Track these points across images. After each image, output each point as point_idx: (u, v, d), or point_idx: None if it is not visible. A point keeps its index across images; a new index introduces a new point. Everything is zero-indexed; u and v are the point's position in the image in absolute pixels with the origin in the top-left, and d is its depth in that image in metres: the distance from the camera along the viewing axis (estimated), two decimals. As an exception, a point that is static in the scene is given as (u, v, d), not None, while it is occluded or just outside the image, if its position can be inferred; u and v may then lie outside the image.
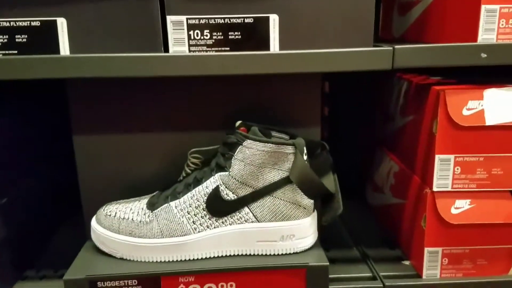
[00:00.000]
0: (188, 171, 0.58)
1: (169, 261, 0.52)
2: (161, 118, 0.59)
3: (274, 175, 0.52)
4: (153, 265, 0.52)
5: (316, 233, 0.55)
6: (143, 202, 0.56)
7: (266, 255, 0.53)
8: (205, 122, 0.59)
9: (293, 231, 0.53)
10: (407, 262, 0.62)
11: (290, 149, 0.52)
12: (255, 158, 0.51)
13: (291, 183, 0.52)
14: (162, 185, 0.58)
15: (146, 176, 0.60)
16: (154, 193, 0.57)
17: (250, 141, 0.51)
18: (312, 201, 0.54)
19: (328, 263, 0.52)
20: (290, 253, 0.53)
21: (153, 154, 0.60)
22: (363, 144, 0.86)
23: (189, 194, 0.53)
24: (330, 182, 0.54)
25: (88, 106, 0.57)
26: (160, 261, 0.52)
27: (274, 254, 0.53)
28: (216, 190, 0.52)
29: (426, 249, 0.56)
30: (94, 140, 0.58)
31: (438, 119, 0.54)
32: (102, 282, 0.50)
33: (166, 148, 0.59)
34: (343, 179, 0.57)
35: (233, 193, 0.52)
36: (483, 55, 0.50)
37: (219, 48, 0.50)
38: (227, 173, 0.52)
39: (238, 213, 0.52)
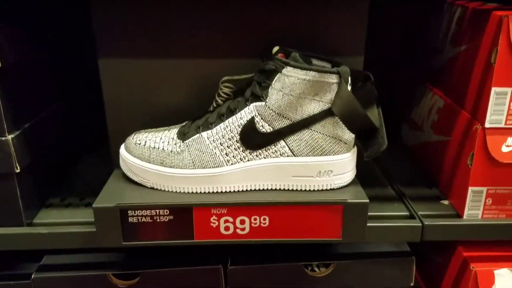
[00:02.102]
0: (219, 101, 0.55)
1: (201, 192, 0.50)
2: (191, 44, 0.54)
3: (314, 107, 0.48)
4: (185, 196, 0.50)
5: (354, 170, 0.52)
6: (173, 131, 0.53)
7: (301, 190, 0.51)
8: (238, 48, 0.55)
9: (331, 167, 0.50)
10: (446, 202, 0.59)
11: (334, 78, 0.47)
12: (294, 87, 0.47)
13: (332, 116, 0.48)
14: (191, 115, 0.55)
15: (174, 105, 0.57)
16: (184, 123, 0.55)
17: (290, 68, 0.47)
18: (353, 135, 0.50)
19: (368, 201, 0.49)
20: (326, 189, 0.51)
21: (182, 82, 0.56)
22: (400, 81, 0.80)
23: (222, 125, 0.50)
24: (374, 116, 0.50)
25: (113, 28, 0.53)
26: (192, 192, 0.50)
27: (309, 190, 0.51)
28: (251, 122, 0.49)
29: (470, 189, 0.53)
30: (121, 65, 0.55)
31: (498, 48, 0.48)
32: (133, 211, 0.49)
33: (196, 76, 0.56)
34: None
35: (269, 125, 0.49)
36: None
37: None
38: (263, 103, 0.48)
39: (273, 146, 0.49)
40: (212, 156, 0.50)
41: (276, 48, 0.50)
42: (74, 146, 0.68)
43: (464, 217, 0.55)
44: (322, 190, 0.51)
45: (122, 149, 0.53)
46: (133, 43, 0.54)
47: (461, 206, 0.55)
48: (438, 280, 0.62)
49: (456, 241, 0.59)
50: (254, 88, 0.49)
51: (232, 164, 0.50)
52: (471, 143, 0.53)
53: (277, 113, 0.48)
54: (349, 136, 0.50)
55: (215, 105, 0.55)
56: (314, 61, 0.51)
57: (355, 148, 0.52)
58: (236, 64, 0.55)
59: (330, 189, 0.51)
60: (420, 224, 0.54)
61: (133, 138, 0.53)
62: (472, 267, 0.55)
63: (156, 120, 0.57)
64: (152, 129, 0.55)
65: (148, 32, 0.53)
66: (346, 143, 0.50)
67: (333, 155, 0.50)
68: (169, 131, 0.53)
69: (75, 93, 0.69)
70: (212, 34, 0.54)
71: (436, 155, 0.63)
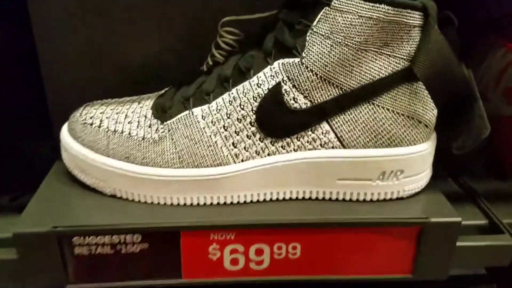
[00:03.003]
0: (218, 56, 0.35)
1: (192, 204, 0.31)
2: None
3: (381, 66, 0.29)
4: (167, 212, 0.31)
5: (431, 167, 0.34)
6: (145, 104, 0.33)
7: (351, 200, 0.32)
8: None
9: (402, 165, 0.31)
10: (533, 203, 0.41)
11: (416, 18, 0.28)
12: (352, 32, 0.28)
13: (409, 82, 0.29)
14: (173, 77, 0.35)
15: (146, 61, 0.37)
16: (163, 91, 0.35)
17: (346, -2, 0.27)
18: (436, 112, 0.32)
19: (460, 219, 0.31)
20: (391, 199, 0.32)
21: (158, 24, 0.36)
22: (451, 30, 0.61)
23: (226, 97, 0.30)
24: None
25: None
26: (179, 204, 0.31)
27: (364, 200, 0.32)
28: (275, 92, 0.29)
29: None
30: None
31: None
32: (82, 238, 0.30)
33: (180, 14, 0.36)
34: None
35: (305, 96, 0.29)
36: None
37: None
38: (296, 60, 0.29)
39: (311, 133, 0.30)
40: (210, 148, 0.30)
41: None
42: (13, 124, 0.48)
43: None
44: (384, 200, 0.32)
45: (64, 131, 0.33)
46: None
47: None
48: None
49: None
50: (280, 34, 0.29)
51: (243, 160, 0.31)
52: None
53: (320, 77, 0.29)
54: (432, 114, 0.31)
55: (210, 63, 0.35)
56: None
57: (435, 134, 0.33)
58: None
59: (397, 199, 0.32)
60: None
61: (81, 114, 0.33)
62: None
63: (119, 84, 0.37)
64: (113, 100, 0.35)
65: None
66: (427, 126, 0.31)
67: (407, 145, 0.31)
68: (139, 103, 0.34)
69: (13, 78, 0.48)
70: None
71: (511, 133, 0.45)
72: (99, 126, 0.32)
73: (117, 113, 0.33)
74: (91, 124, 0.32)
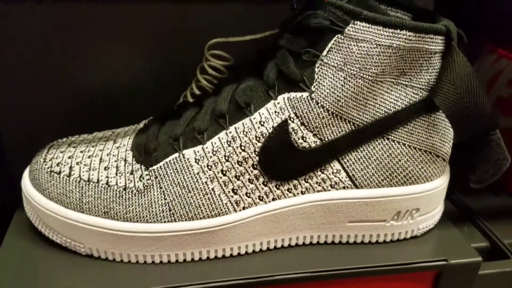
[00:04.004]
0: (204, 83, 0.31)
1: (186, 261, 0.27)
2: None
3: (397, 97, 0.26)
4: (156, 273, 0.26)
5: (443, 202, 0.31)
6: (123, 144, 0.28)
7: (362, 243, 0.29)
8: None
9: (418, 203, 0.28)
10: (529, 220, 0.40)
11: (438, 43, 0.25)
12: (369, 63, 0.24)
13: (428, 112, 0.27)
14: (153, 106, 0.31)
15: (120, 85, 0.32)
16: (142, 124, 0.30)
17: (361, 24, 0.24)
18: (452, 143, 0.29)
19: (480, 258, 0.29)
20: (405, 239, 0.30)
21: (134, 43, 0.32)
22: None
23: (223, 136, 0.26)
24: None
25: None
26: (169, 261, 0.27)
27: (377, 242, 0.29)
28: (281, 130, 0.25)
29: None
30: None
31: None
32: (56, 313, 0.25)
33: (160, 32, 0.31)
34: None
35: (314, 134, 0.26)
36: None
37: None
38: (305, 94, 0.25)
39: (320, 173, 0.27)
40: (207, 197, 0.26)
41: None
42: None
43: None
44: (397, 240, 0.29)
45: (25, 181, 0.28)
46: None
47: None
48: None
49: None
50: (285, 64, 0.25)
51: (244, 208, 0.27)
52: None
53: (332, 113, 0.25)
54: (449, 146, 0.28)
55: (197, 91, 0.31)
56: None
57: (448, 166, 0.31)
58: (238, 11, 0.31)
59: (411, 237, 0.30)
60: (522, 268, 0.34)
61: (45, 160, 0.28)
62: None
63: (86, 113, 0.32)
64: (81, 137, 0.30)
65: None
66: (444, 160, 0.28)
67: (423, 182, 0.28)
68: (115, 142, 0.29)
69: None
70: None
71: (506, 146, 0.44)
72: (69, 175, 0.27)
73: (89, 157, 0.28)
74: (59, 173, 0.27)
